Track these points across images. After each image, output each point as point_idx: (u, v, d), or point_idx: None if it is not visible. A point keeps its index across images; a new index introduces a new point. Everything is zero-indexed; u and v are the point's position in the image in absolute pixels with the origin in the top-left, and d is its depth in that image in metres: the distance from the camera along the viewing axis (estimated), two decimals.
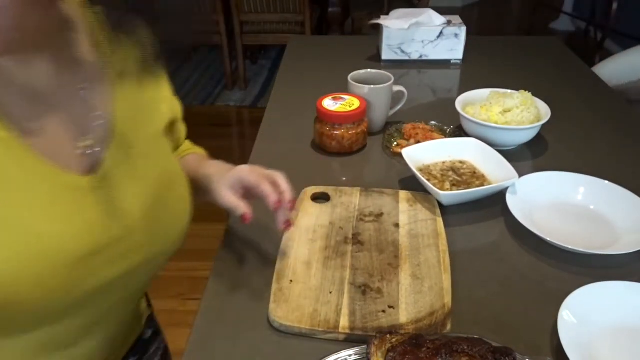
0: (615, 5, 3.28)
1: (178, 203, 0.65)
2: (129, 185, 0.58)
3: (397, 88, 1.09)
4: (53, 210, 0.51)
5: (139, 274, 0.62)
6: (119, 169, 0.57)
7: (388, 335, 0.58)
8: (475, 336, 0.58)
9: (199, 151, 0.86)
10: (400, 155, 0.93)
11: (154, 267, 0.64)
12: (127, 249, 0.57)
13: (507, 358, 0.55)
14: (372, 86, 1.05)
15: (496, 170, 0.90)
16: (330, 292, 0.69)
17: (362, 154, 1.03)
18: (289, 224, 0.71)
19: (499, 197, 0.86)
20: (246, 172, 0.71)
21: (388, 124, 1.10)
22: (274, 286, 0.69)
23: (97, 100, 0.57)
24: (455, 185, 0.89)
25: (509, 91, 1.07)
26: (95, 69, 0.57)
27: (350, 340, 0.63)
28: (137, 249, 0.59)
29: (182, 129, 0.80)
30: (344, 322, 0.64)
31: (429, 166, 0.94)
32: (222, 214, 0.76)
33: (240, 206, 0.69)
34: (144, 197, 0.59)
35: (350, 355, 0.60)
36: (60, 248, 0.51)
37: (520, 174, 0.87)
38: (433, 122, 1.09)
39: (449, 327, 0.64)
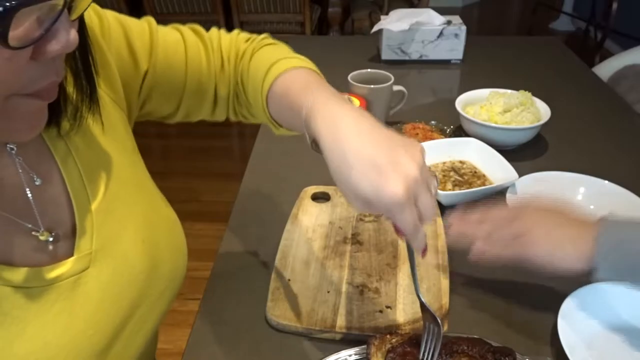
0: (615, 5, 3.28)
1: (171, 238, 0.62)
2: (119, 241, 0.54)
3: (397, 88, 1.09)
4: (50, 315, 0.48)
5: (151, 321, 0.59)
6: (101, 233, 0.53)
7: (388, 336, 0.58)
8: (475, 336, 0.58)
9: (289, 63, 0.60)
10: None
11: (164, 306, 0.61)
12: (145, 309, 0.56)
13: (507, 358, 0.55)
14: (372, 86, 1.05)
15: (496, 170, 0.90)
16: (328, 292, 0.69)
17: None
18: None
19: (499, 197, 0.86)
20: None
21: (388, 124, 1.10)
22: (272, 285, 0.69)
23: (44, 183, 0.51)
24: (457, 185, 0.89)
25: (509, 91, 1.07)
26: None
27: (347, 340, 0.63)
28: (149, 299, 0.57)
29: (172, 37, 0.64)
30: (340, 322, 0.64)
31: (429, 167, 0.94)
32: (222, 214, 0.76)
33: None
34: (140, 242, 0.56)
35: (350, 355, 0.60)
36: (78, 347, 0.49)
37: (520, 174, 0.86)
38: (433, 122, 1.09)
39: (445, 327, 0.64)
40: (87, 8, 0.40)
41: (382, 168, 0.44)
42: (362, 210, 0.50)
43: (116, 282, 0.53)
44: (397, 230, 0.50)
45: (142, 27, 0.62)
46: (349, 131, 0.47)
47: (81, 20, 0.43)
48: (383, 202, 0.44)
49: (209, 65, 0.66)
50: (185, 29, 0.67)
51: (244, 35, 0.69)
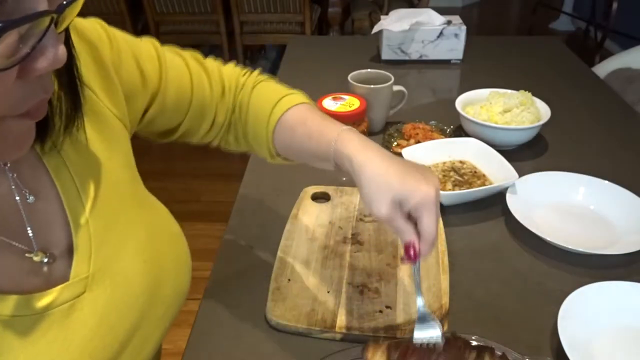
0: (615, 5, 3.28)
1: (175, 254, 0.60)
2: (119, 261, 0.52)
3: (397, 88, 1.09)
4: (42, 344, 0.45)
5: (152, 342, 0.57)
6: (99, 253, 0.50)
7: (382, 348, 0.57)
8: (463, 336, 0.57)
9: (297, 98, 0.67)
10: (400, 155, 0.93)
11: (167, 324, 0.60)
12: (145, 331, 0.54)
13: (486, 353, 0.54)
14: (372, 86, 1.05)
15: (496, 170, 0.90)
16: (328, 292, 0.69)
17: None
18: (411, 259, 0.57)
19: (499, 197, 0.86)
20: (416, 196, 0.54)
21: (388, 124, 1.10)
22: (272, 285, 0.69)
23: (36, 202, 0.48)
24: (457, 185, 0.89)
25: (509, 91, 1.07)
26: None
27: (347, 340, 0.63)
28: (150, 318, 0.55)
29: (179, 65, 0.66)
30: (340, 322, 0.64)
31: (429, 167, 0.94)
32: (222, 214, 0.76)
33: (411, 234, 0.55)
34: (141, 262, 0.54)
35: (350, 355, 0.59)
36: None
37: (520, 174, 0.86)
38: (433, 122, 1.09)
39: (445, 327, 0.64)
40: (73, 19, 0.38)
41: (415, 176, 0.55)
42: (386, 216, 0.54)
43: (114, 306, 0.50)
44: (407, 251, 0.55)
45: (149, 49, 0.63)
46: (379, 153, 0.57)
47: (66, 30, 0.41)
48: (417, 199, 0.53)
49: (211, 92, 0.68)
50: (187, 55, 0.69)
51: (239, 68, 0.73)
